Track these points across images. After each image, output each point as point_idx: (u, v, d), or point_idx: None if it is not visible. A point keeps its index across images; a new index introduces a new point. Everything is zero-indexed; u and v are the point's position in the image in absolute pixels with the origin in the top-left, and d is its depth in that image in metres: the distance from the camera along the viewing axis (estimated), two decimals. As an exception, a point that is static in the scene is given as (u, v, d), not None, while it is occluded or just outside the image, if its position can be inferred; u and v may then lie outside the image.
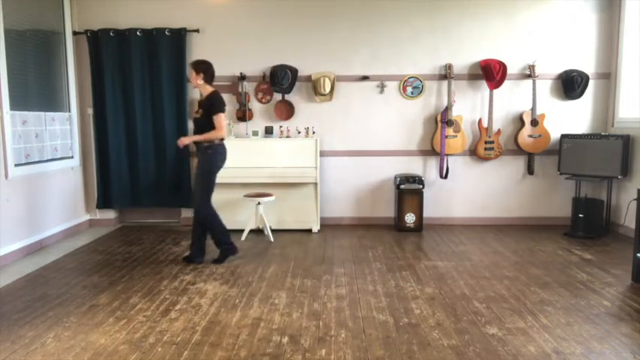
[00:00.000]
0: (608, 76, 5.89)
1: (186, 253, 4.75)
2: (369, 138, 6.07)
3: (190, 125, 6.01)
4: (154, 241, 5.46)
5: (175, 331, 3.18)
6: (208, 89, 4.46)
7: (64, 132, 5.64)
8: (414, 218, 5.77)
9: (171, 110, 5.95)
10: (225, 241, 4.61)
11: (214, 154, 4.44)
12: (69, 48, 5.79)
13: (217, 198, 5.73)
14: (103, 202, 6.10)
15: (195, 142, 4.51)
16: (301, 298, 3.73)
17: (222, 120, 4.37)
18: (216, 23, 5.92)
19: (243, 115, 5.94)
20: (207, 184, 4.47)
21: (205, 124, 4.38)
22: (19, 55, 4.94)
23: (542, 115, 5.85)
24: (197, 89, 4.82)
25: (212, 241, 4.61)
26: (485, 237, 5.53)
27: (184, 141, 4.50)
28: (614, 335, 3.10)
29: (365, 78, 5.95)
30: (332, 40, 5.93)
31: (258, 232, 5.61)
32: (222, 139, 4.47)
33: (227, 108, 5.95)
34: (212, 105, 4.37)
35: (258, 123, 6.01)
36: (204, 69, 4.40)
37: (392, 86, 5.99)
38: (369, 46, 5.94)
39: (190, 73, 4.45)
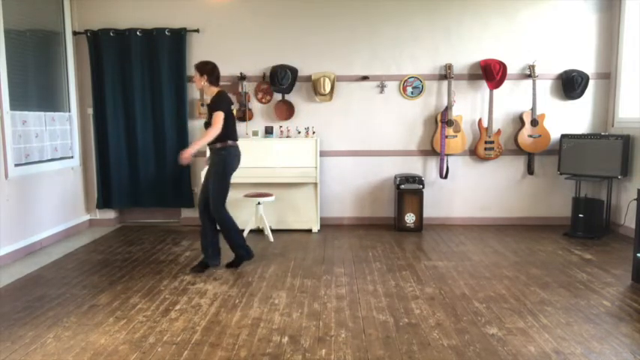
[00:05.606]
0: (608, 76, 5.89)
1: (198, 260, 4.54)
2: (369, 138, 6.07)
3: (190, 126, 6.02)
4: (154, 241, 5.46)
5: (175, 331, 3.18)
6: (214, 90, 4.27)
7: (64, 132, 5.64)
8: (414, 218, 5.77)
9: (172, 110, 5.94)
10: (241, 244, 4.47)
11: (227, 156, 4.31)
12: (69, 48, 5.79)
13: (217, 198, 5.82)
14: (103, 202, 6.10)
15: (209, 144, 4.30)
16: (301, 298, 3.73)
17: (218, 118, 4.12)
18: (216, 23, 5.92)
19: (243, 115, 5.94)
20: (221, 186, 4.30)
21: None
22: (19, 55, 4.94)
23: (542, 115, 5.85)
24: (202, 91, 4.58)
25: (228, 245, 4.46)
26: (485, 237, 5.53)
27: (186, 155, 4.07)
28: (614, 335, 3.10)
29: (365, 78, 5.95)
30: (332, 40, 5.93)
31: (258, 232, 5.61)
32: (233, 140, 4.30)
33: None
34: (212, 103, 4.24)
35: (259, 123, 6.01)
36: (209, 71, 4.22)
37: (392, 86, 5.99)
38: (369, 46, 5.94)
39: (195, 74, 4.26)
